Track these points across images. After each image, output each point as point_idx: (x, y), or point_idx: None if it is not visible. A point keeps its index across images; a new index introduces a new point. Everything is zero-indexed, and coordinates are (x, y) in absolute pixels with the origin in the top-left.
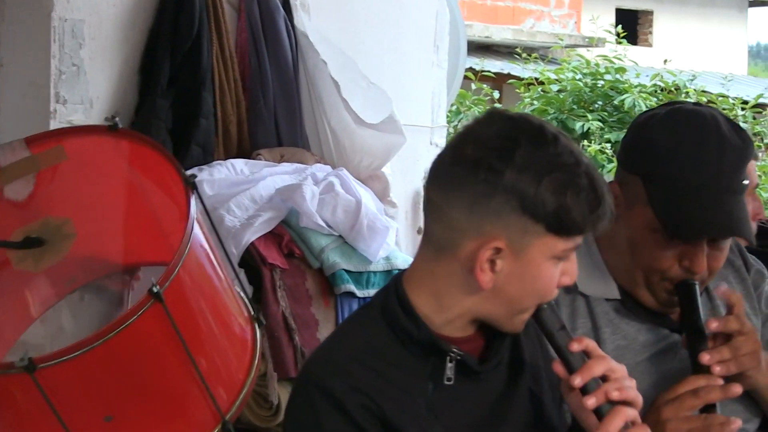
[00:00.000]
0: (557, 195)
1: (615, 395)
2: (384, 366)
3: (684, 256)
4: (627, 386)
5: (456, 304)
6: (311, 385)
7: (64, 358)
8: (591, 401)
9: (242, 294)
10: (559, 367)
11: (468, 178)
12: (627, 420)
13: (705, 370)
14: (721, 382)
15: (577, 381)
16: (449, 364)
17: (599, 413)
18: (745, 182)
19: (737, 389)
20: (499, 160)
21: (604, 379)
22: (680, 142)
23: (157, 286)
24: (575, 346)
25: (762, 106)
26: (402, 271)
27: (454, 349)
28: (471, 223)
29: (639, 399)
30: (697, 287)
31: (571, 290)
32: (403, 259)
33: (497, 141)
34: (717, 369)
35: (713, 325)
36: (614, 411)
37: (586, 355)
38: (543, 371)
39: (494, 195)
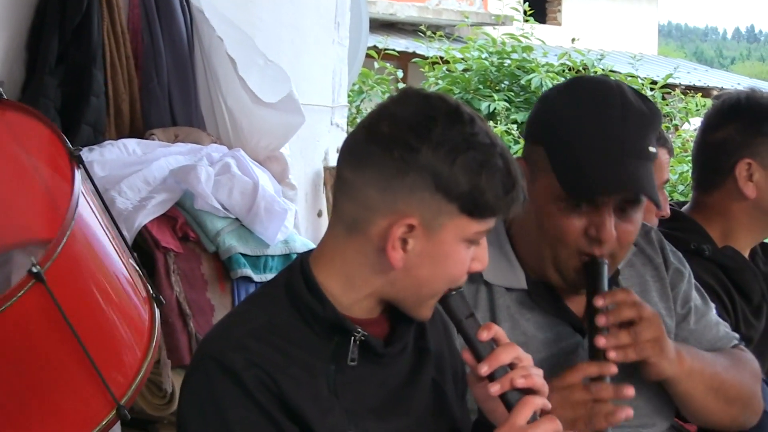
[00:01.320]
0: (472, 174)
1: (520, 382)
2: (286, 344)
3: (590, 225)
4: (534, 374)
5: (365, 285)
6: (208, 360)
7: None
8: (495, 388)
9: (140, 272)
10: (467, 356)
11: (383, 155)
12: (535, 409)
13: (601, 354)
14: (614, 369)
15: (484, 369)
16: (353, 345)
17: (507, 404)
18: (652, 149)
19: (629, 392)
20: (415, 137)
21: (511, 367)
22: (583, 107)
23: (38, 266)
24: (484, 335)
25: (671, 86)
26: (309, 251)
27: (359, 329)
28: (384, 200)
29: (545, 388)
30: (606, 267)
31: (475, 280)
32: (302, 242)
33: (414, 119)
34: (612, 354)
35: (599, 302)
36: (523, 401)
37: (495, 343)
38: (447, 362)
39: (408, 172)
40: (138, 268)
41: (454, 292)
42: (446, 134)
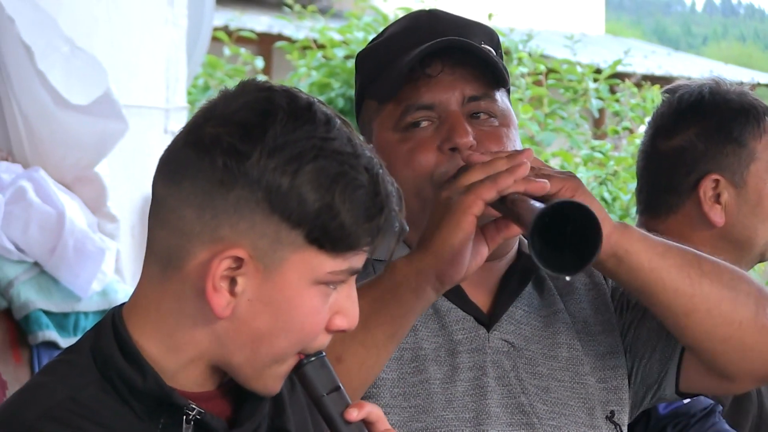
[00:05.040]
0: (322, 190)
1: None
2: (95, 428)
3: (443, 141)
4: None
5: (188, 344)
6: None
7: None
8: None
9: None
10: None
11: (202, 162)
12: None
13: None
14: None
15: None
16: (186, 428)
17: None
18: (486, 46)
19: (546, 186)
20: (244, 140)
21: None
22: (389, 31)
23: None
24: (353, 414)
25: (622, 75)
26: (123, 303)
27: (193, 405)
28: (203, 223)
29: None
30: None
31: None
32: (127, 293)
33: (246, 116)
34: (474, 157)
35: (474, 158)
36: None
37: (366, 426)
38: None
39: (234, 186)
40: None
41: (312, 358)
42: (288, 136)
